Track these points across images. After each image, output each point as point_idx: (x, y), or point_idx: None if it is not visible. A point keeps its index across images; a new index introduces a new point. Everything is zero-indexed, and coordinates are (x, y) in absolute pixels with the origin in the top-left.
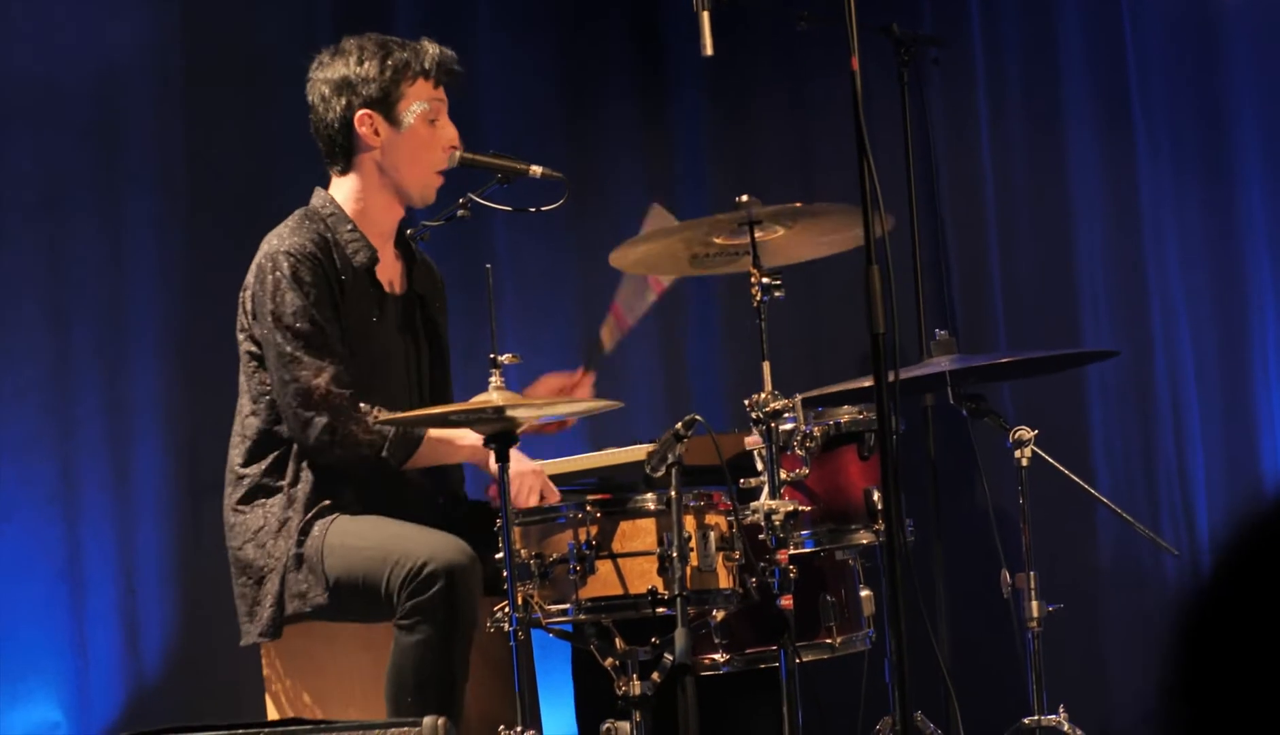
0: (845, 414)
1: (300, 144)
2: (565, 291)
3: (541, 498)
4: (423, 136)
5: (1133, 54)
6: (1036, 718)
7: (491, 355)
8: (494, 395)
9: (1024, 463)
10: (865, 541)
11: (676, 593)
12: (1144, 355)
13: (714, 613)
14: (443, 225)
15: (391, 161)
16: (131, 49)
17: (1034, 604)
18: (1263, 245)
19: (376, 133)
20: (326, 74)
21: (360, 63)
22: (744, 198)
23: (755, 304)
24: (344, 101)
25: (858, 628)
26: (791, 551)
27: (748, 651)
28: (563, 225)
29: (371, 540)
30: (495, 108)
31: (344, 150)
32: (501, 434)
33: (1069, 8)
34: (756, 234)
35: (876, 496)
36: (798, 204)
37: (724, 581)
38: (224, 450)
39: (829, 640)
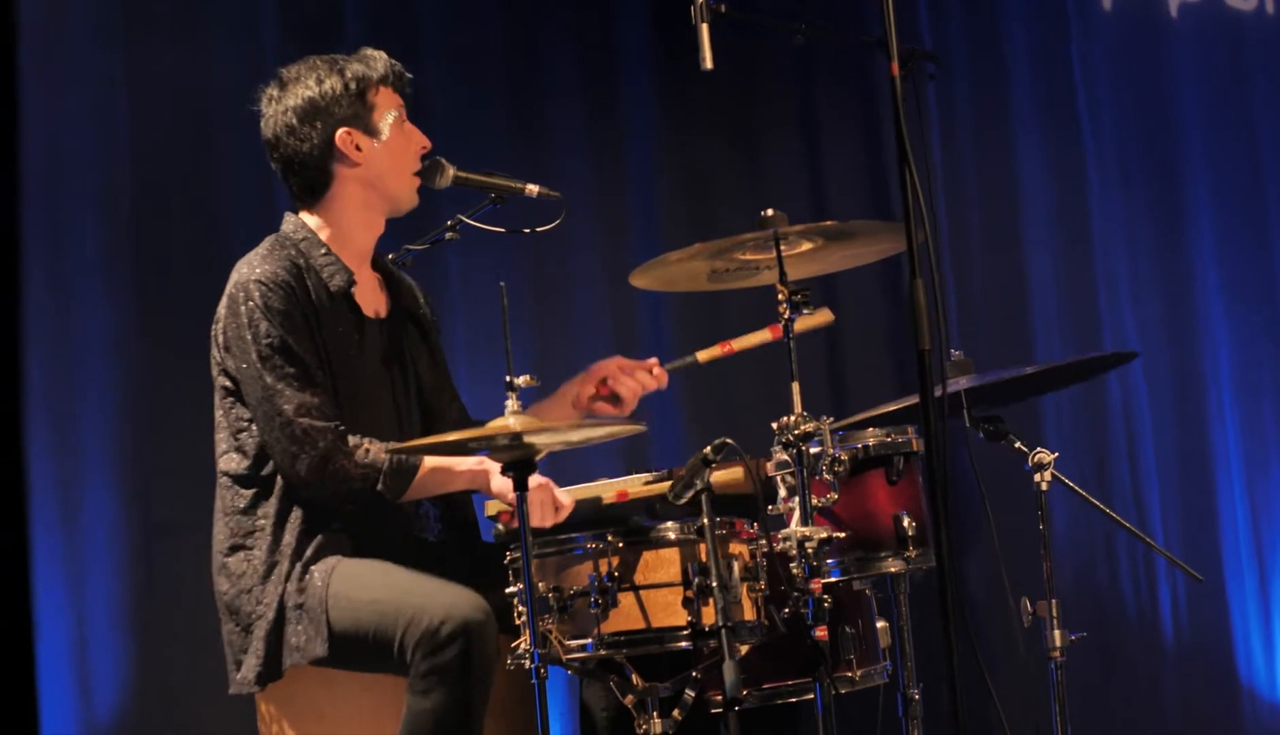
0: (872, 437)
1: (250, 185)
2: (517, 319)
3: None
4: (400, 141)
5: (1081, 84)
6: None
7: (507, 378)
8: (511, 420)
9: (1044, 486)
10: (894, 570)
11: (721, 624)
12: (1097, 380)
13: (739, 648)
14: (428, 249)
15: (376, 173)
16: (76, 88)
17: (1056, 633)
18: (1211, 266)
19: (359, 148)
20: (287, 104)
21: (320, 83)
22: (769, 213)
23: (783, 322)
24: (319, 125)
25: (876, 660)
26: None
27: (765, 686)
28: (513, 252)
29: (381, 592)
30: (441, 133)
31: (322, 174)
32: (520, 461)
33: (1016, 35)
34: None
35: (907, 522)
36: (829, 223)
37: (749, 613)
38: (177, 492)
39: (849, 673)
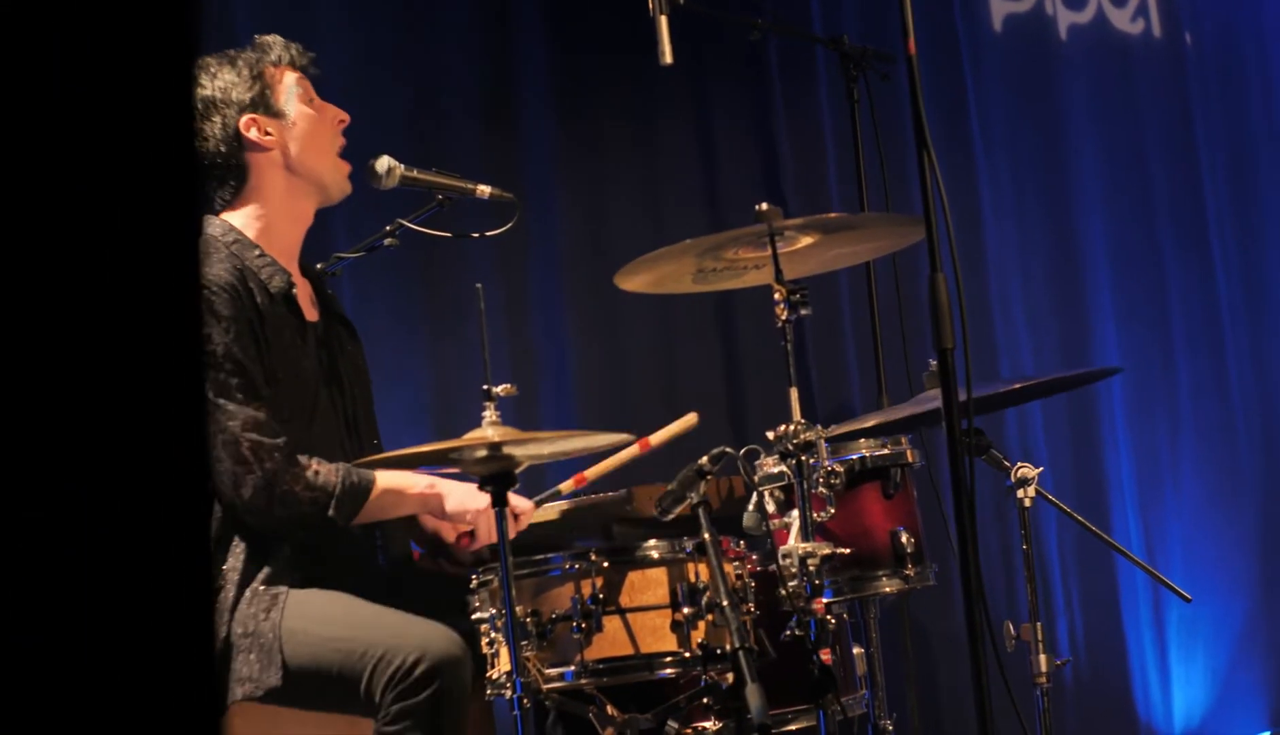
0: (867, 448)
1: None
2: (416, 341)
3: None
4: (311, 116)
5: (974, 104)
6: None
7: (485, 386)
8: (489, 430)
9: (1027, 503)
10: (891, 590)
11: (738, 645)
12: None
13: (724, 675)
14: (363, 257)
15: (293, 155)
16: None
17: (1042, 658)
18: (1105, 288)
19: (268, 133)
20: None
21: (214, 78)
22: (764, 207)
23: (780, 324)
24: (219, 120)
25: (854, 689)
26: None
27: (736, 717)
28: (404, 270)
29: (343, 628)
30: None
31: (237, 169)
32: (499, 474)
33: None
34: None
35: (905, 539)
36: (836, 214)
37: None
38: None
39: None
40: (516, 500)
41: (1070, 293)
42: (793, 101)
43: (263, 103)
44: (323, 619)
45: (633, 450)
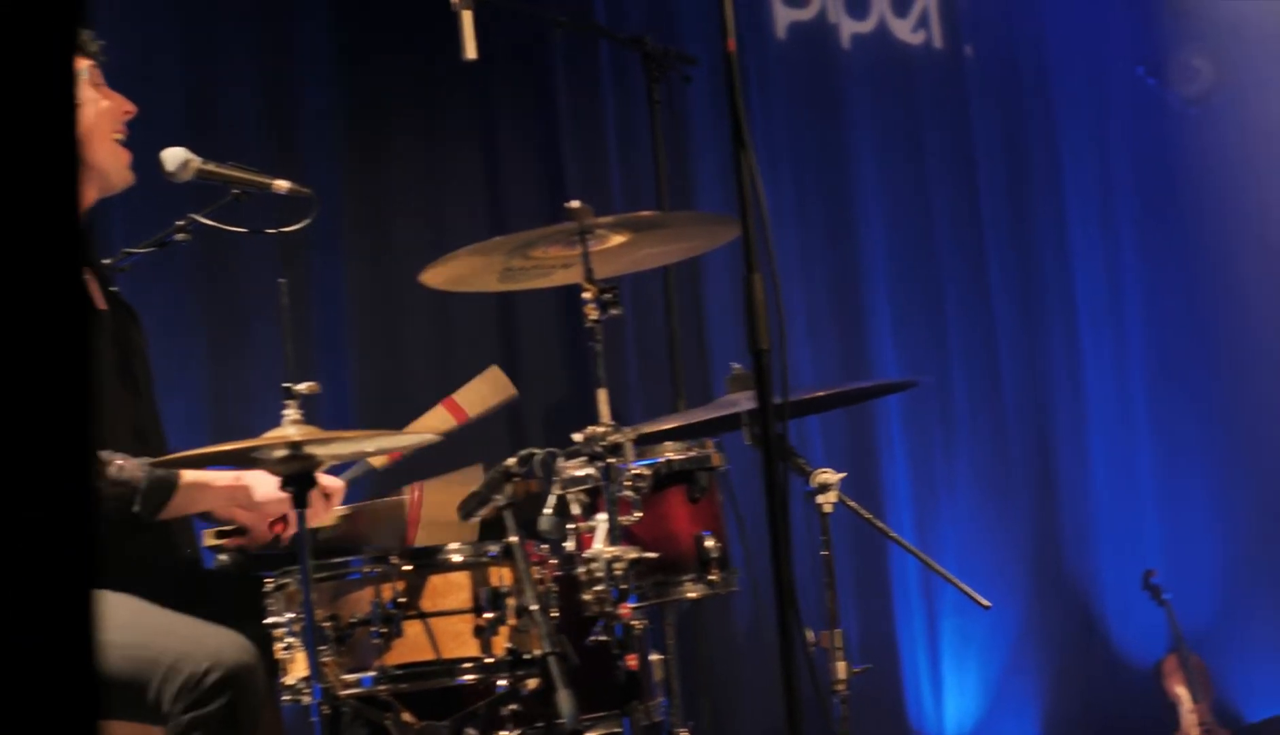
0: (671, 451)
1: None
2: (194, 341)
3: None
4: (95, 101)
5: (758, 110)
6: None
7: (285, 384)
8: (289, 429)
9: (827, 509)
10: (695, 595)
11: (548, 651)
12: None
13: (526, 681)
14: (153, 253)
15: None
16: None
17: (840, 665)
18: (883, 300)
19: None
20: None
21: None
22: (575, 204)
23: (589, 323)
24: None
25: (651, 696)
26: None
27: (538, 724)
28: (184, 274)
29: (132, 634)
30: None
31: None
32: (300, 474)
33: (697, 55)
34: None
35: (710, 543)
36: (649, 213)
37: (541, 644)
38: None
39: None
40: (326, 480)
41: (849, 300)
42: (578, 101)
43: None
44: (110, 624)
45: (447, 420)
